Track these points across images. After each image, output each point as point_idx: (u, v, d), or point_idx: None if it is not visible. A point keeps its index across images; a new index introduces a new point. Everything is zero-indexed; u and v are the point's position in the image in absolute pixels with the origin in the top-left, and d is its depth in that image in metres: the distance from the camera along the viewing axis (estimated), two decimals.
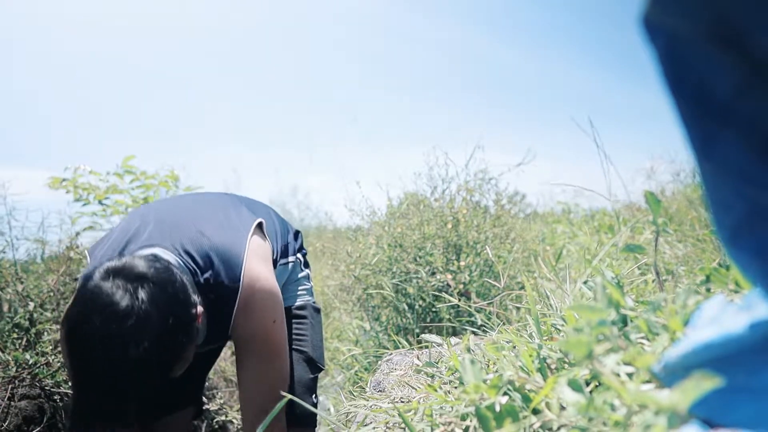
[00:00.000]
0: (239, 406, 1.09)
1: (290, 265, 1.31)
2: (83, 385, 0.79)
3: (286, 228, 1.36)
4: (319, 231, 6.03)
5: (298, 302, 1.32)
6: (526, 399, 0.52)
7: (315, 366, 1.27)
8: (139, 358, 0.78)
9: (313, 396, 1.28)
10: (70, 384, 0.83)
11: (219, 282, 0.99)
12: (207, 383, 2.16)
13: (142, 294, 0.81)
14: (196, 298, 0.93)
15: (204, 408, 1.90)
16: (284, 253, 1.29)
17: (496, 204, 2.69)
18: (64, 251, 2.33)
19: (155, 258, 0.91)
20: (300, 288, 1.35)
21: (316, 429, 1.31)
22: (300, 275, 1.36)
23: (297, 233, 1.41)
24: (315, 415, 1.25)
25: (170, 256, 0.96)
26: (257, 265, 1.05)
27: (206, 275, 0.98)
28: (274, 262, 1.22)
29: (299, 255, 1.37)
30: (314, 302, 1.37)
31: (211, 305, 0.99)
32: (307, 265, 1.42)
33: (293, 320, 1.30)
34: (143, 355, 0.78)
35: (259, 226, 1.16)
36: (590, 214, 4.34)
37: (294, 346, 1.26)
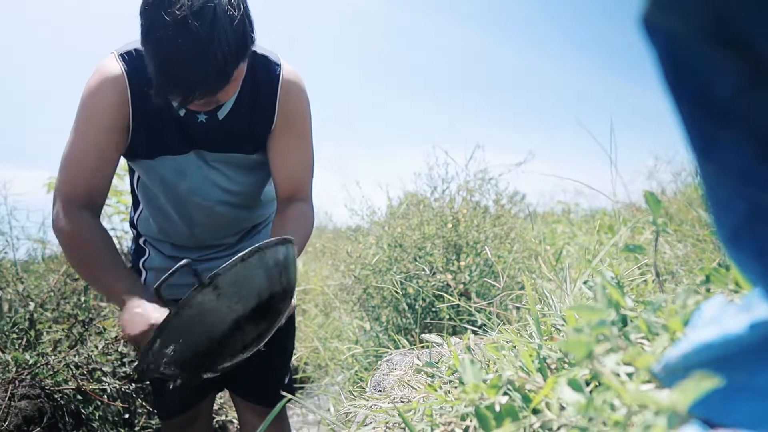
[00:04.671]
0: (275, 179, 1.16)
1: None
2: (167, 40, 0.83)
3: None
4: (319, 231, 6.02)
5: None
6: (526, 399, 0.52)
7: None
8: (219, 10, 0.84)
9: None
10: (147, 61, 0.89)
11: (262, 56, 1.07)
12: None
13: None
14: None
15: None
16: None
17: (496, 204, 2.69)
18: None
19: None
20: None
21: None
22: None
23: None
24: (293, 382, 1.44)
25: None
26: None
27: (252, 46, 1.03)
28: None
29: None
30: None
31: (255, 88, 1.06)
32: None
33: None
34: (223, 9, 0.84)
35: None
36: (590, 214, 4.34)
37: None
